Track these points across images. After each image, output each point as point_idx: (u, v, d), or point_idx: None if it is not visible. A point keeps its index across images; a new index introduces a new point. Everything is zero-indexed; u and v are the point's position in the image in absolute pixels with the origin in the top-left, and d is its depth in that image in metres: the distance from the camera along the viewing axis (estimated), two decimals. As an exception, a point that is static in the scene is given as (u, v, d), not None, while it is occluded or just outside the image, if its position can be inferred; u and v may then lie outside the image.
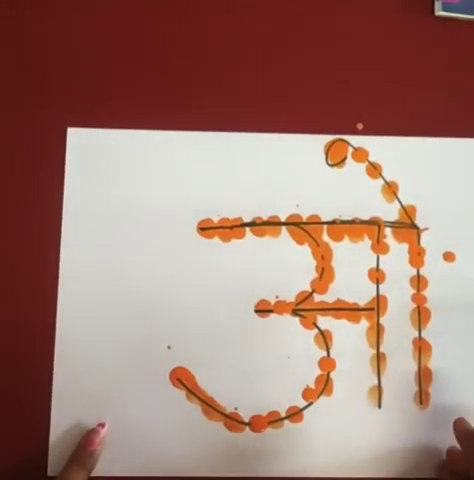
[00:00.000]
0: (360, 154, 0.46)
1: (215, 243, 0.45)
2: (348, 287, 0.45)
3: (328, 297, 0.44)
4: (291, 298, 0.44)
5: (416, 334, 0.44)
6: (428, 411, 0.43)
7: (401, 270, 0.45)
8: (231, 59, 0.47)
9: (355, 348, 0.44)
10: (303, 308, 0.44)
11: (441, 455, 0.43)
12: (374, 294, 0.45)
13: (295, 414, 0.43)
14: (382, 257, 0.45)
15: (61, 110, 0.46)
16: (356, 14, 0.48)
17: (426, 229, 0.46)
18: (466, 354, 0.44)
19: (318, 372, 0.44)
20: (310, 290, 0.45)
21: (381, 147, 0.46)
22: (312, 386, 0.43)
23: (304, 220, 0.45)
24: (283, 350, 0.44)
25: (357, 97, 0.47)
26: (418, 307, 0.45)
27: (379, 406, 0.43)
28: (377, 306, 0.44)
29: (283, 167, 0.46)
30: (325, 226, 0.45)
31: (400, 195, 0.46)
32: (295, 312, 0.44)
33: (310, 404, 0.43)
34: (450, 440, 0.41)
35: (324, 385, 0.43)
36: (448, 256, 0.45)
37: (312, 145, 0.46)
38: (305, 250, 0.45)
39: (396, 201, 0.46)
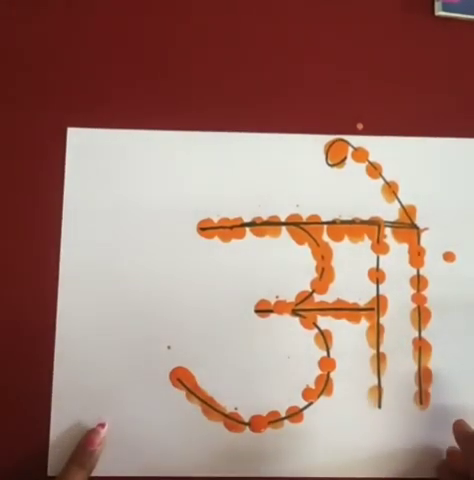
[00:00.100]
0: (360, 154, 0.46)
1: (215, 243, 0.45)
2: (348, 287, 0.45)
3: (328, 297, 0.44)
4: (291, 298, 0.44)
5: (416, 334, 0.44)
6: (428, 411, 0.43)
7: (401, 270, 0.45)
8: (231, 59, 0.47)
9: (355, 348, 0.44)
10: (303, 308, 0.44)
11: (441, 455, 0.43)
12: (374, 294, 0.45)
13: (295, 414, 0.43)
14: (382, 257, 0.45)
15: (61, 110, 0.46)
16: (356, 14, 0.48)
17: (426, 229, 0.46)
18: (466, 354, 0.44)
19: (318, 372, 0.44)
20: (310, 290, 0.45)
21: (381, 147, 0.46)
22: (312, 386, 0.43)
23: (304, 220, 0.45)
24: (283, 350, 0.44)
25: (357, 97, 0.47)
26: (418, 307, 0.45)
27: (379, 406, 0.43)
28: (377, 306, 0.44)
29: (283, 167, 0.46)
30: (325, 226, 0.45)
31: (400, 195, 0.46)
32: (295, 312, 0.44)
33: (310, 404, 0.43)
34: (450, 440, 0.41)
35: (324, 385, 0.43)
36: (448, 256, 0.45)
37: (312, 145, 0.46)
38: (305, 250, 0.45)
39: (396, 201, 0.46)
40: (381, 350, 0.44)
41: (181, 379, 0.43)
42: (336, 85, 0.47)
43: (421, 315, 0.44)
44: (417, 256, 0.45)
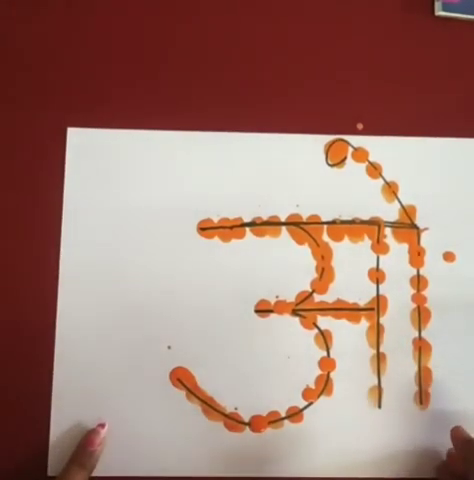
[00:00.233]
0: (360, 154, 0.46)
1: (215, 243, 0.45)
2: (348, 287, 0.45)
3: (328, 297, 0.44)
4: (291, 298, 0.44)
5: (416, 334, 0.44)
6: (428, 411, 0.43)
7: (401, 270, 0.45)
8: (231, 59, 0.47)
9: (355, 348, 0.44)
10: (303, 308, 0.44)
11: (441, 455, 0.43)
12: (374, 294, 0.45)
13: (295, 414, 0.43)
14: (382, 257, 0.45)
15: (61, 110, 0.46)
16: (356, 14, 0.48)
17: (426, 229, 0.46)
18: (466, 354, 0.44)
19: (318, 372, 0.44)
20: (310, 290, 0.45)
21: (381, 147, 0.46)
22: (312, 386, 0.43)
23: (304, 220, 0.45)
24: (283, 350, 0.44)
25: (357, 97, 0.47)
26: (418, 307, 0.45)
27: (379, 406, 0.43)
28: (377, 306, 0.44)
29: (283, 167, 0.46)
30: (325, 226, 0.45)
31: (400, 195, 0.46)
32: (295, 312, 0.44)
33: (310, 404, 0.43)
34: (450, 440, 0.41)
35: (324, 385, 0.43)
36: (448, 256, 0.45)
37: (312, 145, 0.46)
38: (305, 250, 0.45)
39: (396, 201, 0.46)
40: (381, 350, 0.44)
41: (181, 379, 0.43)
42: (336, 85, 0.47)
43: (421, 315, 0.44)
44: (417, 256, 0.45)
